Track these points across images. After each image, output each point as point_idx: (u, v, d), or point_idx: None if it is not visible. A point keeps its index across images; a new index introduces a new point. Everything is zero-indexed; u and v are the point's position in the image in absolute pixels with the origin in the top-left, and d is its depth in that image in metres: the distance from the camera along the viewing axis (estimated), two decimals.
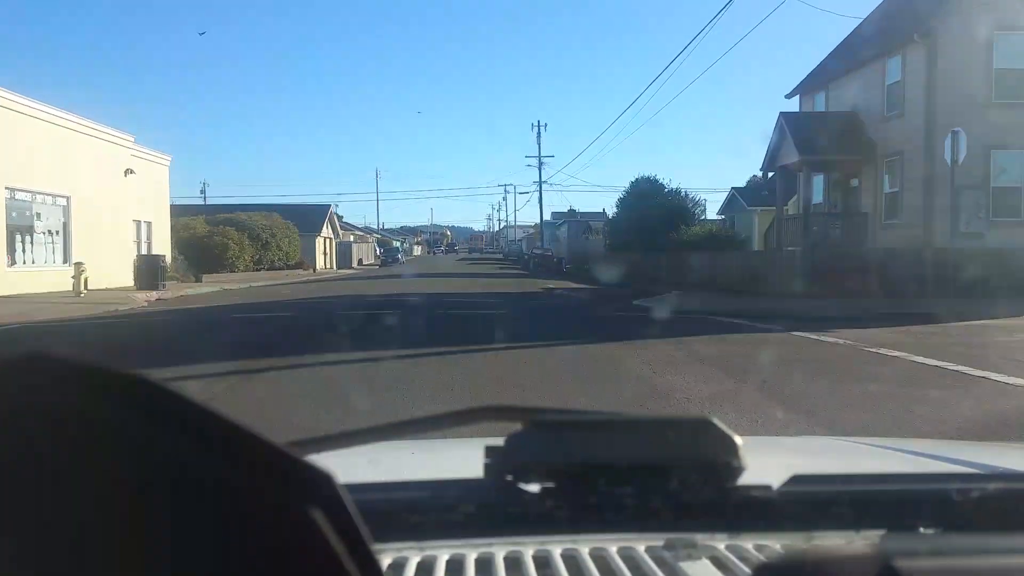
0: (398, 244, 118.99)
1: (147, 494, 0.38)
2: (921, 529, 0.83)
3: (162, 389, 0.41)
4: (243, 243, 39.88)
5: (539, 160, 65.57)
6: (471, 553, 0.85)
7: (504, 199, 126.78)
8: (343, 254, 64.23)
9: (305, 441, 0.80)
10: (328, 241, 58.67)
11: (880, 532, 0.81)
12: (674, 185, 44.20)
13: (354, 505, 0.42)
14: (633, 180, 43.11)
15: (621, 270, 38.91)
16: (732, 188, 38.80)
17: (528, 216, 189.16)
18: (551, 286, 27.42)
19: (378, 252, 73.97)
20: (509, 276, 38.56)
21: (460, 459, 1.18)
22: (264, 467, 0.41)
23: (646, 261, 35.18)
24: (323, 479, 0.42)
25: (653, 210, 39.95)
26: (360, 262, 68.78)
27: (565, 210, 75.04)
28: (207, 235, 38.41)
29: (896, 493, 0.95)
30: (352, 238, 79.69)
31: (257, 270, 42.47)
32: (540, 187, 65.71)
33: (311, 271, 50.15)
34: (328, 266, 58.30)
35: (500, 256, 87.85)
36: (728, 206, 39.14)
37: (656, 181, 42.69)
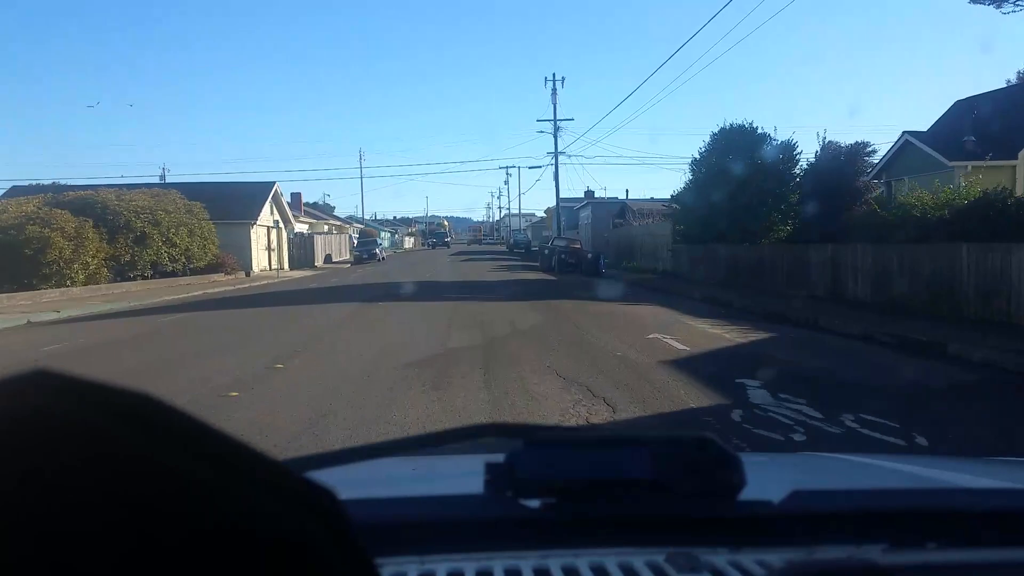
0: (386, 235, 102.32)
1: (148, 510, 0.38)
2: (922, 543, 0.82)
3: (166, 407, 0.40)
4: (84, 237, 23.20)
5: (554, 124, 49.03)
6: (470, 567, 0.82)
7: (507, 181, 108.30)
8: (303, 249, 47.73)
9: (307, 458, 0.81)
10: (275, 232, 42.21)
11: (881, 546, 0.80)
12: (781, 135, 27.89)
13: (355, 520, 0.42)
14: (716, 132, 26.58)
15: (718, 272, 22.49)
16: (905, 132, 22.25)
17: (532, 203, 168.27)
18: (699, 342, 10.28)
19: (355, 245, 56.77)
20: (533, 288, 22.05)
21: (460, 475, 1.13)
22: (266, 484, 0.40)
23: (771, 260, 18.63)
24: (325, 495, 0.42)
25: (759, 176, 23.59)
26: (328, 259, 52.32)
27: (571, 197, 58.33)
28: (15, 225, 21.78)
29: (897, 508, 0.93)
30: (326, 228, 63.18)
31: (132, 278, 26.07)
32: (556, 158, 49.15)
33: (236, 276, 33.69)
34: (276, 265, 41.92)
35: (503, 249, 71.26)
36: (892, 164, 22.59)
37: (754, 130, 26.25)
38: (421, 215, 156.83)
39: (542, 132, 49.76)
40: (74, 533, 0.36)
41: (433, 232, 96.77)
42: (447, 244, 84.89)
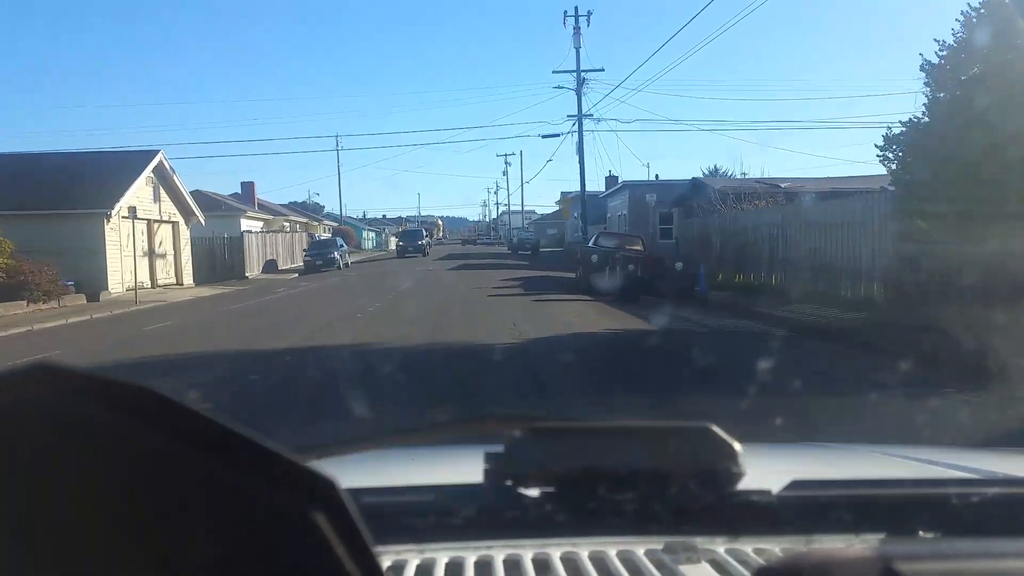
0: (371, 235, 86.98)
1: (153, 502, 0.37)
2: (920, 533, 0.80)
3: (167, 399, 0.40)
4: None
5: (577, 76, 33.81)
6: (470, 556, 0.82)
7: (505, 172, 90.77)
8: (228, 253, 32.53)
9: (309, 447, 0.79)
10: (165, 229, 26.95)
11: (880, 536, 0.79)
12: None
13: (356, 509, 0.41)
14: None
15: None
16: None
17: (531, 199, 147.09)
18: None
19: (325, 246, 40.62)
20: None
21: (461, 465, 1.11)
22: (269, 473, 0.40)
23: None
24: (327, 484, 0.41)
25: None
26: (271, 266, 37.08)
27: (590, 190, 42.80)
28: None
29: (896, 497, 0.91)
30: (286, 226, 47.95)
31: None
32: (580, 123, 33.88)
33: (62, 304, 18.73)
34: (169, 279, 26.72)
35: (504, 250, 55.93)
36: None
37: None
38: (414, 214, 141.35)
39: (560, 88, 34.51)
40: (75, 526, 0.35)
41: (405, 233, 56.16)
42: (422, 249, 48.36)
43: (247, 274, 32.87)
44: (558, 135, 34.94)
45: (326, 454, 0.81)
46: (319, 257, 36.40)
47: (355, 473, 0.99)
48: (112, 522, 0.36)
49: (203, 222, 29.40)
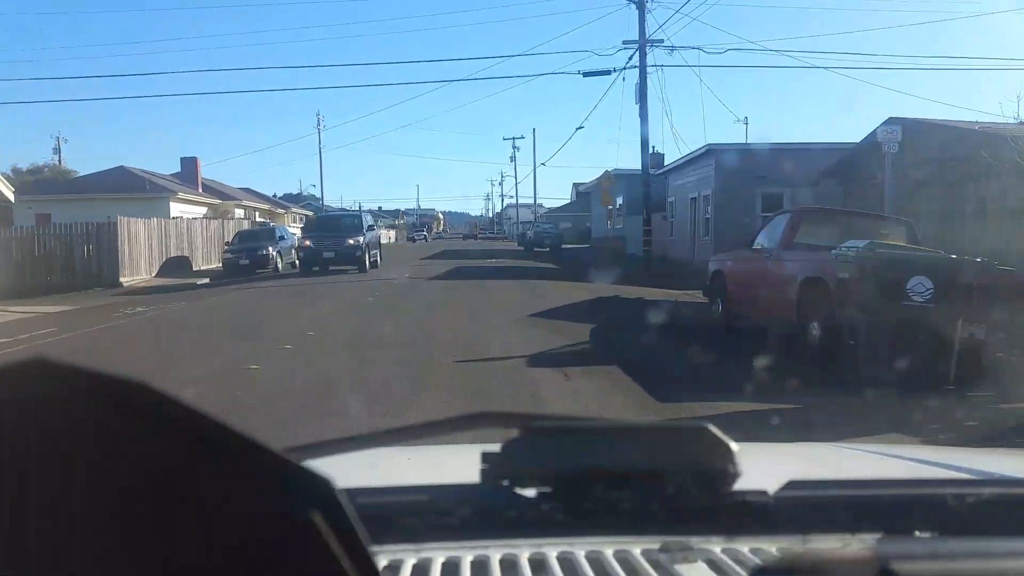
0: (338, 224, 74.47)
1: (148, 499, 0.37)
2: (917, 533, 0.80)
3: (164, 396, 0.39)
4: None
5: None
6: (467, 555, 0.81)
7: (513, 157, 76.11)
8: (100, 250, 20.15)
9: (305, 447, 0.80)
10: None
11: (876, 536, 0.78)
12: None
13: (352, 508, 0.41)
14: None
15: None
16: None
17: (538, 191, 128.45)
18: None
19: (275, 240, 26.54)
20: None
21: (457, 465, 1.13)
22: (265, 472, 0.39)
23: None
24: (323, 483, 0.41)
25: None
26: (177, 266, 24.52)
27: (625, 168, 29.94)
28: None
29: (892, 497, 0.90)
30: (242, 212, 35.53)
31: None
32: (642, 53, 21.32)
33: None
34: None
35: (514, 246, 43.49)
36: None
37: None
38: (413, 206, 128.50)
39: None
40: (70, 523, 0.35)
41: (321, 220, 27.56)
42: (356, 256, 21.88)
43: (123, 279, 20.48)
44: (608, 72, 22.30)
45: (322, 453, 0.81)
46: (245, 254, 23.69)
47: (351, 472, 0.96)
48: (107, 519, 0.35)
49: (12, 199, 16.94)
